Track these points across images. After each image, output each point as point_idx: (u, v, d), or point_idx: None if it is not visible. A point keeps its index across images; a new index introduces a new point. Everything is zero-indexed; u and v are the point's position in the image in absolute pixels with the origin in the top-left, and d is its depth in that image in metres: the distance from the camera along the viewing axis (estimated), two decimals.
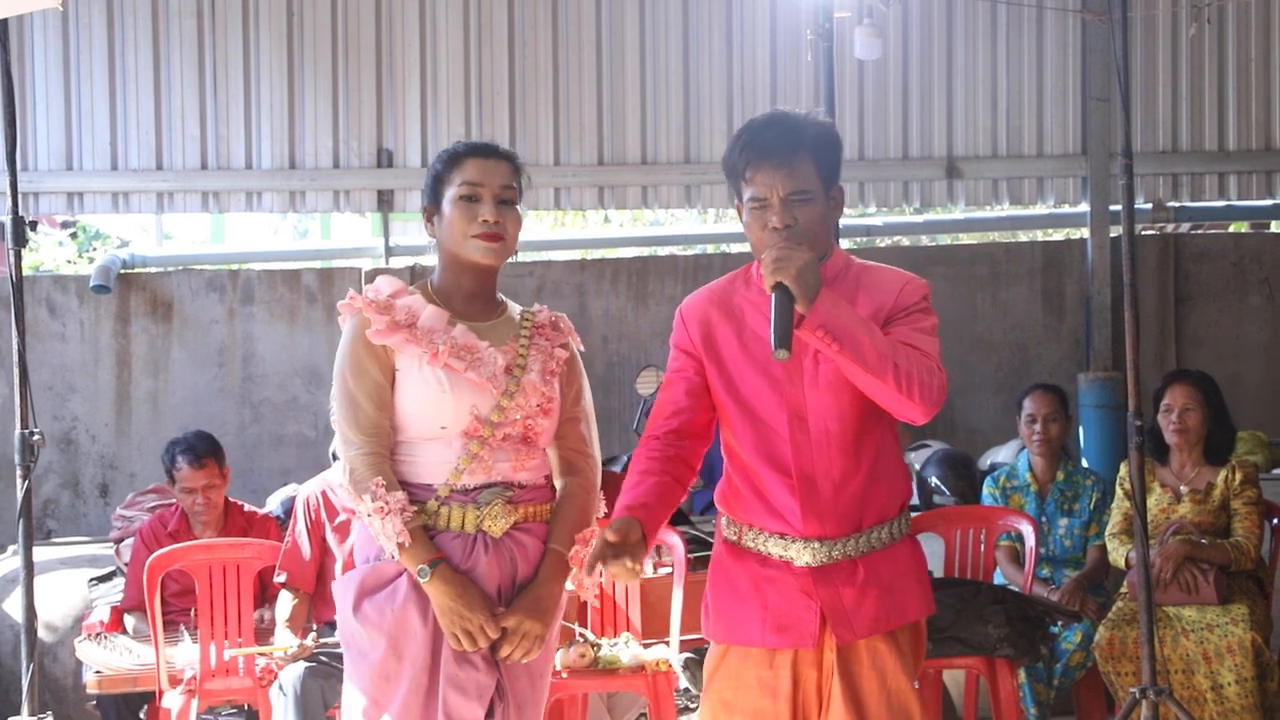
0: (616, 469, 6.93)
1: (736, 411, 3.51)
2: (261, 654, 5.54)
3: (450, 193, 3.70)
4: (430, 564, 3.56)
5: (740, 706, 3.55)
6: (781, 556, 3.49)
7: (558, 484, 3.84)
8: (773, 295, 3.28)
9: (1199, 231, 9.73)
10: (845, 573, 3.47)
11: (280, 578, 5.63)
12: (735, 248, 9.58)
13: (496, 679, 3.63)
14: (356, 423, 3.65)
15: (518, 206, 3.75)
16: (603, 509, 3.88)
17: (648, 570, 5.77)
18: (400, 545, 3.55)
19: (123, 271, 8.74)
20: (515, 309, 3.85)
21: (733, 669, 3.56)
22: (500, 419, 3.65)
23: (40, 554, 6.04)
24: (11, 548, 7.12)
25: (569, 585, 3.75)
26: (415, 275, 8.30)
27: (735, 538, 3.56)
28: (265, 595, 6.03)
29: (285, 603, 5.62)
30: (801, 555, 3.47)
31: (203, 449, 6.27)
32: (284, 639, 5.53)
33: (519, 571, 3.69)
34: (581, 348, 3.89)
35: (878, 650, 3.50)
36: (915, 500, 7.72)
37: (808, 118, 3.50)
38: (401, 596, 3.60)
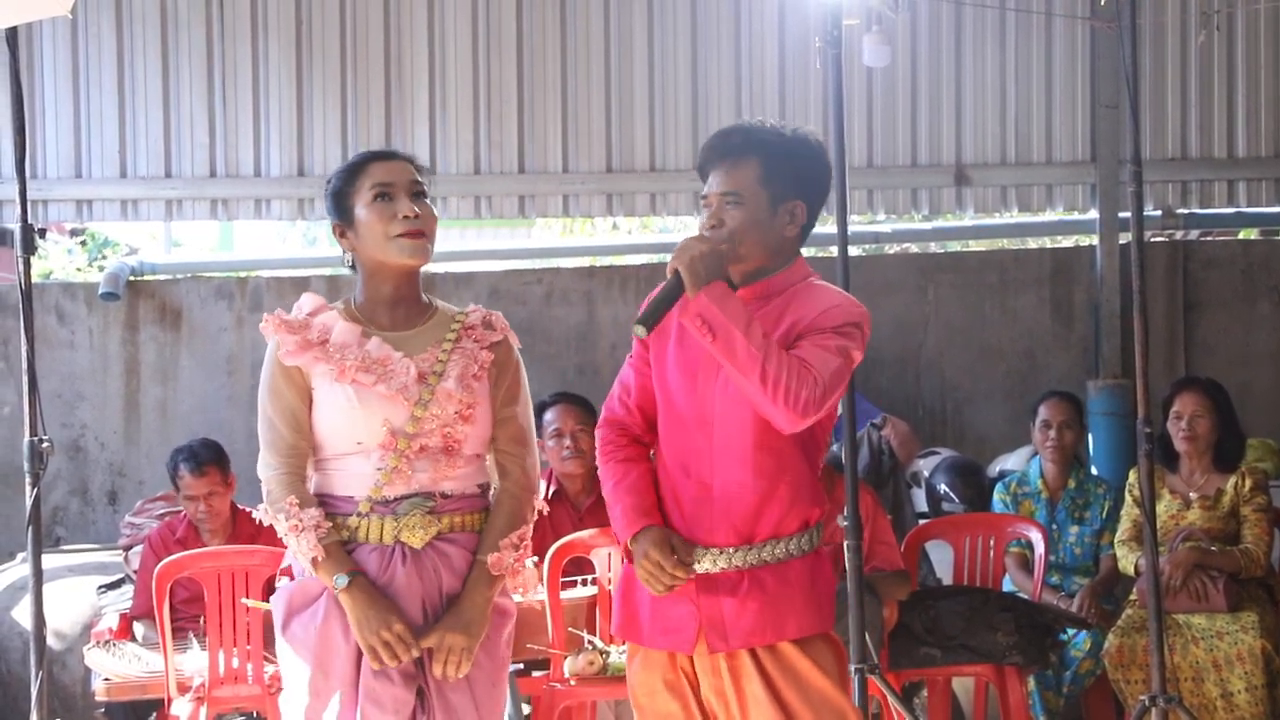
0: None
1: (662, 409, 3.61)
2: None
3: (360, 200, 3.67)
4: (349, 574, 3.55)
5: (653, 710, 3.61)
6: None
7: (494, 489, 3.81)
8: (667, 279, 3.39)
9: (1208, 238, 9.71)
10: (730, 583, 3.49)
11: (284, 582, 5.59)
12: None
13: (415, 692, 3.61)
14: (273, 445, 3.66)
15: (429, 203, 3.73)
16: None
17: None
18: (314, 561, 3.56)
19: (131, 279, 8.74)
20: (448, 311, 3.81)
21: (642, 673, 3.62)
22: (415, 430, 3.62)
23: (49, 561, 6.02)
24: (20, 555, 7.12)
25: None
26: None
27: None
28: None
29: None
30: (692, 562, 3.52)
31: (205, 457, 6.27)
32: None
33: (444, 584, 3.65)
34: (518, 344, 3.86)
35: (788, 655, 3.50)
36: (924, 508, 7.72)
37: (780, 128, 3.56)
38: (322, 613, 3.60)
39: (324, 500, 3.66)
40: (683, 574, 3.49)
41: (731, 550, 3.49)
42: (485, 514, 3.74)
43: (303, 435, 3.66)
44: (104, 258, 13.51)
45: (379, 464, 3.62)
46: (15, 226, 5.03)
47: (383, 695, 3.57)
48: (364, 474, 3.64)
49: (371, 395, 3.61)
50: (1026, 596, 6.21)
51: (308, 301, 3.78)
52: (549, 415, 6.21)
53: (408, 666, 3.58)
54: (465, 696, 3.65)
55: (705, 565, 3.52)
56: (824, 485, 3.68)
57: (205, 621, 5.66)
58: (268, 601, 5.59)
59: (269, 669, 5.60)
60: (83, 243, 14.08)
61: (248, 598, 5.51)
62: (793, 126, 3.60)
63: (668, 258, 3.44)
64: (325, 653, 3.59)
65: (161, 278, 8.93)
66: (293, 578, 5.53)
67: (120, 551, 7.12)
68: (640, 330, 3.42)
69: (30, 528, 4.94)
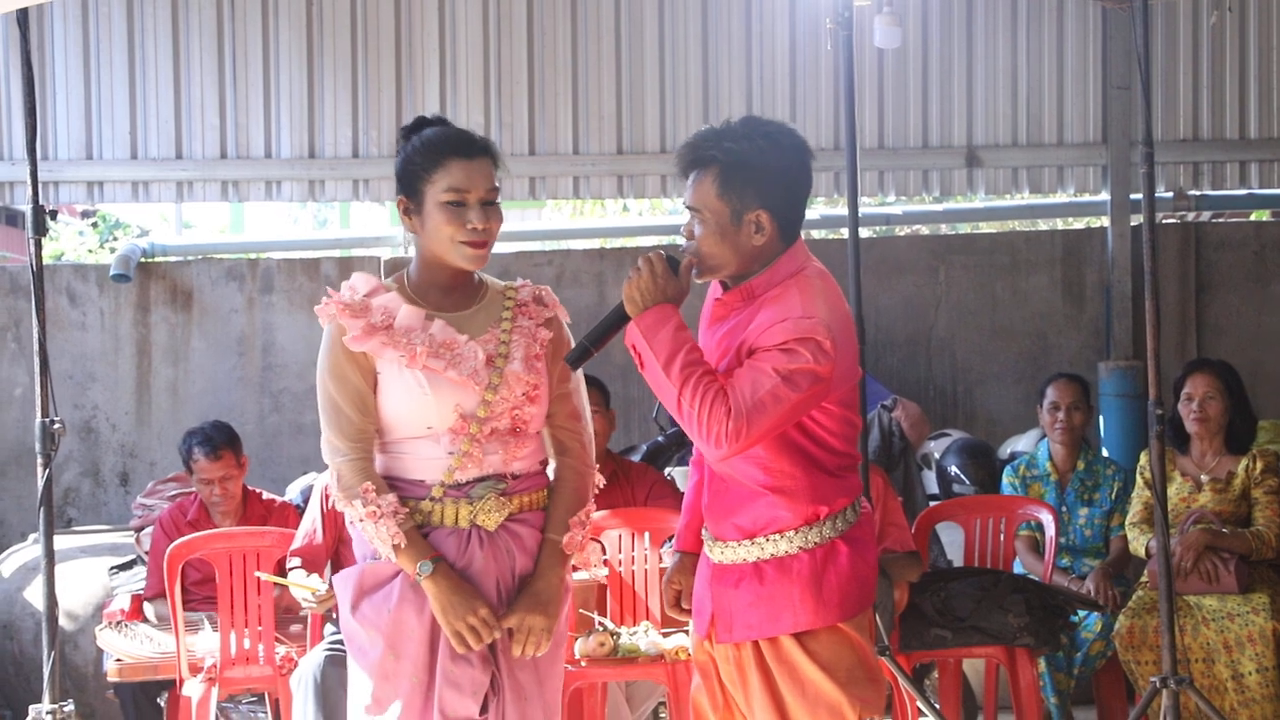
0: (635, 458, 6.92)
1: None
2: (299, 586, 5.43)
3: (433, 194, 3.64)
4: (432, 560, 3.55)
5: (701, 686, 3.73)
6: (706, 547, 3.65)
7: (551, 464, 3.82)
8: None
9: (1220, 220, 9.68)
10: (735, 575, 3.55)
11: (293, 563, 5.59)
12: None
13: (491, 674, 3.63)
14: (341, 430, 3.64)
15: (498, 202, 3.73)
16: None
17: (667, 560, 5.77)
18: (396, 547, 3.55)
19: (143, 260, 8.75)
20: (497, 287, 3.82)
21: (694, 651, 3.77)
22: (486, 414, 3.63)
23: (61, 542, 6.05)
24: (32, 536, 7.14)
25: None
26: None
27: None
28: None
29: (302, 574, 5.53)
30: (709, 550, 3.63)
31: (219, 440, 6.28)
32: (313, 582, 5.42)
33: (518, 565, 3.68)
34: (567, 319, 3.86)
35: (786, 649, 3.52)
36: (935, 490, 7.72)
37: (746, 133, 3.47)
38: (396, 597, 3.60)
39: (393, 484, 3.65)
40: (677, 615, 3.82)
41: (735, 544, 3.54)
42: (547, 491, 3.77)
43: (370, 418, 3.65)
44: (115, 239, 13.55)
45: (450, 448, 3.63)
46: (27, 208, 5.05)
47: (462, 679, 3.59)
48: (435, 458, 3.64)
49: (442, 381, 3.61)
50: (1037, 579, 6.21)
51: (361, 282, 3.70)
52: None
53: (483, 649, 3.61)
54: (531, 675, 3.69)
55: (716, 556, 3.58)
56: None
57: (217, 602, 5.68)
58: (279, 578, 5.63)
59: (280, 650, 5.62)
60: (94, 224, 14.13)
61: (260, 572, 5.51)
62: (763, 127, 3.50)
63: (679, 239, 3.45)
64: (398, 636, 3.60)
65: (172, 259, 8.94)
66: (305, 558, 5.56)
67: (132, 532, 7.13)
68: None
69: (42, 509, 4.97)
